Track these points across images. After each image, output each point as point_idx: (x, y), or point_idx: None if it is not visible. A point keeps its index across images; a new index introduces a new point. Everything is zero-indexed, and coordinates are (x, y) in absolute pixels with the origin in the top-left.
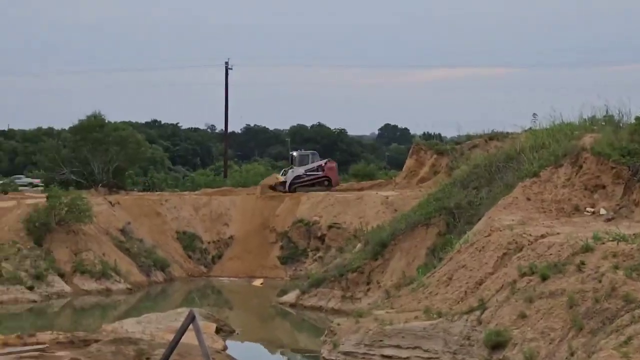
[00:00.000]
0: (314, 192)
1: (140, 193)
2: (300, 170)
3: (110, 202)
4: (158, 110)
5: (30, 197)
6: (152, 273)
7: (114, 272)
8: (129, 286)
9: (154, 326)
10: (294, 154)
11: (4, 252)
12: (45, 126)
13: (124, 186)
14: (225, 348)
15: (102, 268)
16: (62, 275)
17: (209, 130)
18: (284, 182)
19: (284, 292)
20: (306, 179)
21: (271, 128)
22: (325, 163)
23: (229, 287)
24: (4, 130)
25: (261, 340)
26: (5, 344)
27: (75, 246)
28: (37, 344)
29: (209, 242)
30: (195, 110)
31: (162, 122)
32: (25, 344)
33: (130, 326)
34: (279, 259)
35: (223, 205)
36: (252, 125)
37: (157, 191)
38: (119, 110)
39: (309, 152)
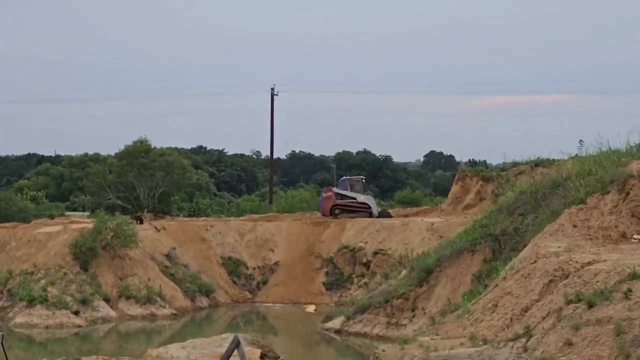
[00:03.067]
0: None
1: (186, 218)
2: (361, 197)
3: (156, 228)
4: (204, 136)
5: (76, 222)
6: (197, 298)
7: (159, 297)
8: (173, 311)
9: (199, 351)
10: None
11: (50, 276)
12: (91, 152)
13: (169, 211)
14: None
15: (147, 293)
16: (107, 300)
17: (254, 156)
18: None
19: (329, 318)
20: (348, 205)
21: (316, 154)
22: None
23: (275, 313)
24: (51, 156)
25: None
26: None
27: (120, 271)
28: None
29: (254, 268)
30: (240, 136)
31: (208, 148)
32: None
33: (175, 351)
34: (324, 285)
35: (268, 231)
36: (297, 151)
37: (202, 217)
38: (165, 136)
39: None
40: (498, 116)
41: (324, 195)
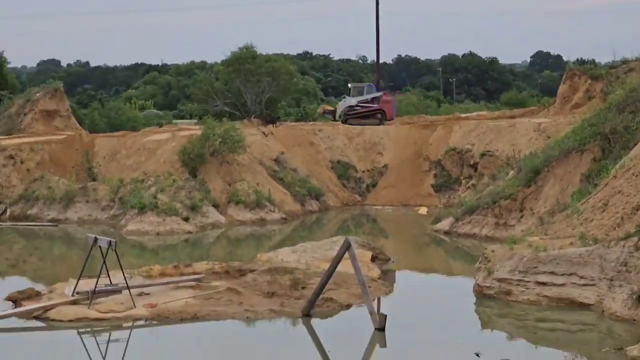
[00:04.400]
0: (369, 124)
1: (293, 123)
2: (352, 101)
3: (264, 133)
4: (310, 41)
5: (184, 129)
6: (306, 202)
7: (268, 202)
8: (283, 216)
9: (309, 255)
10: (350, 85)
11: (160, 184)
12: (198, 60)
13: (277, 116)
14: (380, 276)
15: (256, 198)
16: (216, 206)
17: (360, 61)
18: (332, 111)
19: (438, 220)
20: (360, 110)
21: (422, 58)
22: (382, 96)
23: (385, 215)
24: (158, 65)
25: (416, 267)
26: (163, 274)
27: (229, 176)
28: (194, 274)
29: (363, 171)
30: (346, 41)
31: (314, 54)
32: (182, 274)
33: (285, 255)
34: (433, 187)
35: (376, 134)
36: (403, 55)
37: (310, 121)
38: (271, 43)
39: (364, 84)
40: (607, 13)
41: (388, 99)
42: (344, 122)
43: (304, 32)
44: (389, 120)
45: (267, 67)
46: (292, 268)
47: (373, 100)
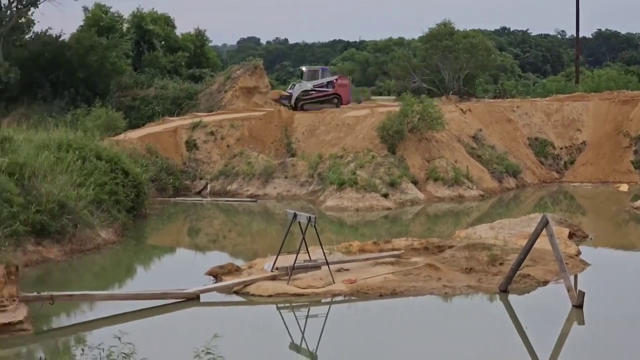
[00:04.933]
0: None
1: (491, 100)
2: (308, 85)
3: (462, 110)
4: (507, 17)
5: (383, 105)
6: (504, 179)
7: (466, 179)
8: (481, 192)
9: (507, 232)
10: (303, 68)
11: (359, 160)
12: (395, 36)
13: (474, 93)
14: (578, 253)
15: (454, 175)
16: (415, 183)
17: (559, 36)
18: (288, 96)
19: (637, 197)
20: (315, 95)
21: (623, 32)
22: (336, 80)
23: (583, 192)
24: (356, 42)
25: (615, 245)
26: (362, 250)
27: (427, 153)
28: (393, 250)
29: (561, 148)
30: (544, 16)
31: (512, 29)
32: (381, 250)
33: (483, 232)
34: (633, 163)
35: (575, 110)
36: (603, 29)
37: (507, 98)
38: (468, 19)
39: (318, 67)
40: None
41: (344, 82)
42: (300, 108)
43: (501, 7)
44: (345, 104)
45: (465, 43)
46: (489, 244)
47: (328, 84)
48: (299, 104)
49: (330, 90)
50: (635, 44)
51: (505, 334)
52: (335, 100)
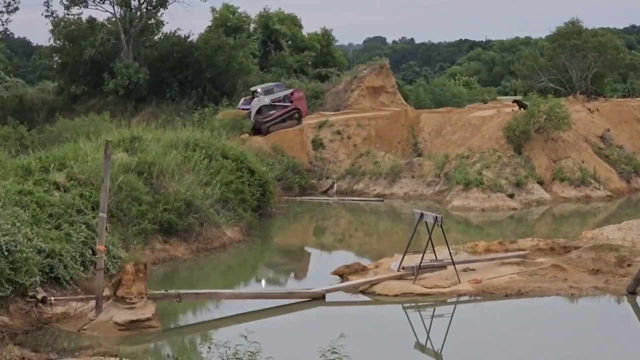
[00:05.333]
0: (289, 126)
1: (620, 99)
2: (265, 100)
3: (589, 109)
4: (636, 14)
5: (509, 105)
6: (632, 180)
7: (593, 179)
8: (608, 193)
9: (635, 233)
10: (257, 89)
11: (484, 160)
12: (522, 35)
13: (602, 93)
14: None
15: (581, 175)
16: (541, 183)
17: None
18: (247, 113)
19: None
20: (276, 114)
21: None
22: (292, 94)
23: None
24: (482, 41)
25: None
26: (488, 250)
27: (554, 153)
28: (519, 250)
29: None
30: None
31: None
32: (507, 250)
33: (610, 233)
34: None
35: None
36: None
37: (637, 97)
38: (597, 16)
39: (272, 84)
40: None
41: (300, 95)
42: (266, 132)
43: (630, 4)
44: (304, 117)
45: (593, 42)
46: (617, 245)
47: (285, 98)
48: (264, 127)
49: (290, 105)
50: None
51: (633, 337)
52: (297, 115)
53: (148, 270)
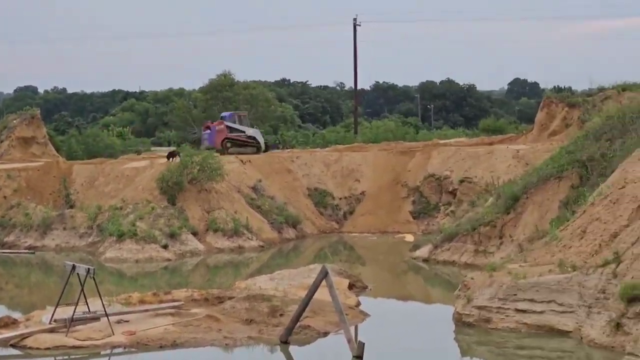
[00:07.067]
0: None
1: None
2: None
3: (242, 160)
4: (287, 69)
5: (163, 157)
6: (283, 230)
7: (246, 230)
8: (261, 243)
9: (287, 282)
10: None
11: (138, 211)
12: (176, 87)
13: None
14: (358, 304)
15: (234, 226)
16: (195, 234)
17: (338, 87)
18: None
19: (416, 247)
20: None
21: (400, 85)
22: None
23: (363, 242)
24: (136, 92)
25: (394, 295)
26: (142, 302)
27: (207, 204)
28: (173, 301)
29: (340, 198)
30: (324, 68)
31: (292, 81)
32: (161, 302)
33: (263, 283)
34: (411, 213)
35: (354, 161)
36: (381, 82)
37: (287, 149)
38: (249, 70)
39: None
40: (583, 42)
41: (216, 128)
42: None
43: (281, 60)
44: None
45: (245, 94)
46: (269, 295)
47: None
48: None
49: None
50: (412, 97)
51: None
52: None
53: None
